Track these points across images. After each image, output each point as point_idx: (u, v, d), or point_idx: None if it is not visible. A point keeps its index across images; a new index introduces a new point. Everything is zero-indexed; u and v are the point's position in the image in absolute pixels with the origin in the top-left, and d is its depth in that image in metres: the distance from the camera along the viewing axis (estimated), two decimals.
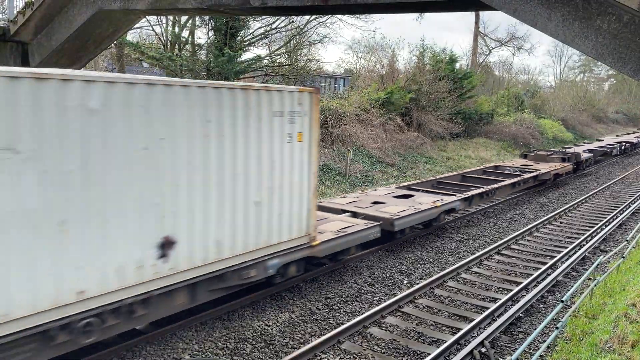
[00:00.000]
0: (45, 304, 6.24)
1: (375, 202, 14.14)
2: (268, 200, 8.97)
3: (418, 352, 8.28)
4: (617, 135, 48.94)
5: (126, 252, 6.98)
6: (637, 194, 22.32)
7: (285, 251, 9.47)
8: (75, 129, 6.32)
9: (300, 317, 9.36)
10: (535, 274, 11.74)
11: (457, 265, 12.16)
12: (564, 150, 28.26)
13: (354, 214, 12.86)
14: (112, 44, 22.82)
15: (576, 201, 20.23)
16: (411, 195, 15.45)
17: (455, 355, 7.94)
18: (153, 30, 29.93)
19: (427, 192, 16.66)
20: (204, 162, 7.81)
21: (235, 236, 8.47)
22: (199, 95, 7.66)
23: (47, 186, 6.13)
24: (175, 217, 7.54)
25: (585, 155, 27.29)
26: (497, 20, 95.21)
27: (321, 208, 12.90)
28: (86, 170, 6.46)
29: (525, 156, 26.36)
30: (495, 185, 18.10)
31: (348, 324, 8.84)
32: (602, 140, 40.15)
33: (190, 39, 29.00)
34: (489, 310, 9.57)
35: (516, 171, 22.14)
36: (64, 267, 6.36)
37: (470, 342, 8.36)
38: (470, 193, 16.35)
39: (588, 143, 36.91)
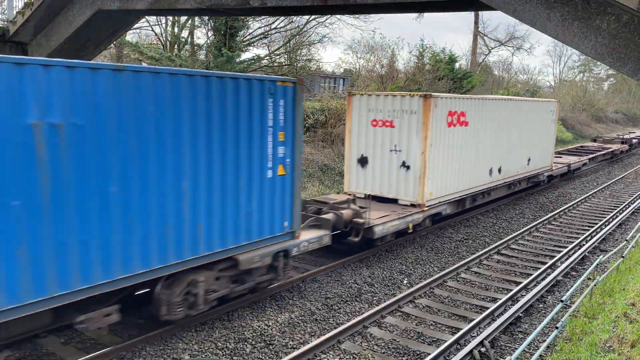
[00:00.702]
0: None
1: None
2: (539, 147, 20.85)
3: (418, 352, 8.28)
4: None
5: (519, 162, 19.17)
6: (637, 194, 22.32)
7: (544, 170, 21.78)
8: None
9: (300, 317, 9.36)
10: (535, 273, 11.75)
11: (457, 265, 12.16)
12: (621, 136, 41.28)
13: None
14: (112, 44, 22.82)
15: (576, 201, 20.24)
16: (560, 156, 27.11)
17: (455, 355, 7.94)
18: (152, 30, 29.96)
19: (566, 155, 28.74)
20: (531, 130, 19.79)
21: (532, 161, 20.33)
22: (525, 104, 19.53)
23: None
24: (532, 151, 20.10)
25: (634, 140, 39.97)
26: (496, 20, 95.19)
27: None
28: (511, 131, 18.23)
29: (595, 140, 39.36)
30: (597, 154, 31.04)
31: (348, 324, 8.85)
32: (634, 132, 52.07)
33: (189, 39, 29.04)
34: (489, 310, 9.58)
35: (597, 149, 33.26)
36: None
37: (470, 342, 8.37)
38: (590, 156, 29.49)
39: (626, 134, 47.97)
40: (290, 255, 9.85)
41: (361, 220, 11.70)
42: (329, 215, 11.47)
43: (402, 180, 13.73)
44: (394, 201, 13.88)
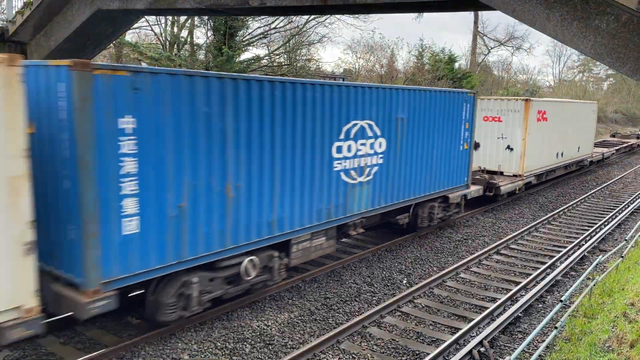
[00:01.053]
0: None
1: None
2: (584, 138, 26.49)
3: (417, 352, 8.28)
4: None
5: (573, 149, 25.28)
6: (636, 194, 22.33)
7: (587, 157, 27.38)
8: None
9: (300, 317, 9.36)
10: (535, 273, 11.75)
11: (456, 265, 12.17)
12: (636, 133, 46.45)
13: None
14: (111, 44, 22.81)
15: (575, 201, 20.25)
16: (593, 148, 30.63)
17: (455, 355, 7.94)
18: (152, 30, 29.90)
19: (596, 147, 32.74)
20: (580, 125, 25.52)
21: (580, 149, 26.10)
22: (577, 105, 26.46)
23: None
24: (580, 141, 26.12)
25: None
26: (496, 20, 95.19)
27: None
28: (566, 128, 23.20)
29: (614, 136, 45.01)
30: (620, 146, 36.45)
31: (347, 324, 8.85)
32: None
33: (189, 38, 29.03)
34: (488, 310, 9.58)
35: (618, 142, 38.42)
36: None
37: (470, 341, 8.37)
38: (616, 147, 35.42)
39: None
40: (467, 198, 15.92)
41: (494, 182, 18.28)
42: (480, 177, 18.06)
43: (507, 158, 19.64)
44: (499, 173, 19.62)
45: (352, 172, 10.93)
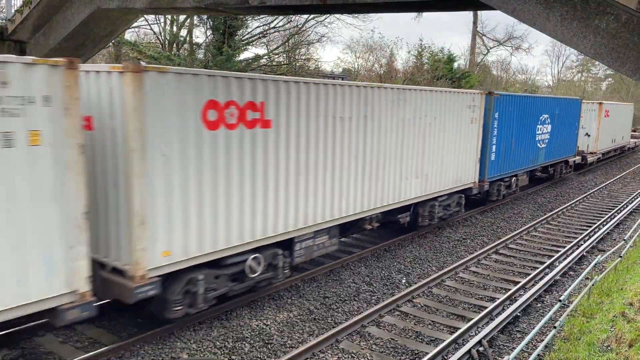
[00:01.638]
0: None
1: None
2: (624, 130, 36.62)
3: (416, 352, 8.28)
4: None
5: (619, 137, 35.13)
6: (635, 193, 22.36)
7: (626, 144, 37.61)
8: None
9: (299, 317, 9.36)
10: (533, 273, 11.76)
11: (455, 264, 12.17)
12: None
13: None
14: (110, 43, 22.78)
15: (574, 201, 20.27)
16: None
17: (453, 354, 7.95)
18: (151, 29, 29.85)
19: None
20: (622, 120, 35.36)
21: (622, 138, 36.10)
22: (622, 107, 36.90)
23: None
24: (622, 132, 36.35)
25: None
26: (495, 20, 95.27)
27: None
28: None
29: (635, 130, 48.37)
30: None
31: (346, 323, 8.85)
32: None
33: (188, 38, 28.99)
34: (487, 310, 9.59)
35: None
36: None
37: (469, 341, 8.37)
38: None
39: None
40: (575, 163, 26.34)
41: (585, 155, 27.76)
42: (578, 152, 26.88)
43: (586, 141, 28.38)
44: (582, 151, 28.02)
45: (540, 142, 20.67)
